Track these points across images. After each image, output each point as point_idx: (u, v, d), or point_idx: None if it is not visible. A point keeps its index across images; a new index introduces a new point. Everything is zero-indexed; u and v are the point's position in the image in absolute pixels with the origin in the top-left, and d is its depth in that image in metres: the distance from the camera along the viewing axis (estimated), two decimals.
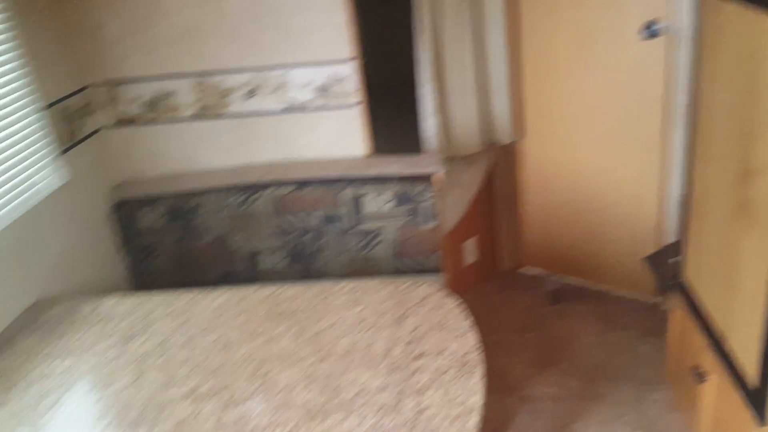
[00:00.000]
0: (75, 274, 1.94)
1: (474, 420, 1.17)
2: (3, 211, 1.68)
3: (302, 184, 2.08)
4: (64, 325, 1.61)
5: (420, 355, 1.36)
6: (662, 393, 2.23)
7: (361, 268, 2.15)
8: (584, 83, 2.49)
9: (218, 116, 2.20)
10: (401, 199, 2.06)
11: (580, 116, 2.56)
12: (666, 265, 2.14)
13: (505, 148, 2.77)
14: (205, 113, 2.19)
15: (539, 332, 2.62)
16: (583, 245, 2.77)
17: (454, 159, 2.58)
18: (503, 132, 2.64)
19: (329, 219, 2.11)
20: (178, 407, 1.29)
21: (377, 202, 2.07)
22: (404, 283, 1.63)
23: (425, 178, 2.07)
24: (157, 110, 2.19)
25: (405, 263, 2.15)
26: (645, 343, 2.49)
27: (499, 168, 2.85)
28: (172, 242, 2.16)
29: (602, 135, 2.53)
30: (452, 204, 2.56)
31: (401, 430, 1.17)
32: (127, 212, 2.14)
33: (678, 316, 2.03)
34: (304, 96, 2.17)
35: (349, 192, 2.07)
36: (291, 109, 2.19)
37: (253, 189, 2.09)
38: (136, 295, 1.71)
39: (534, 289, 2.90)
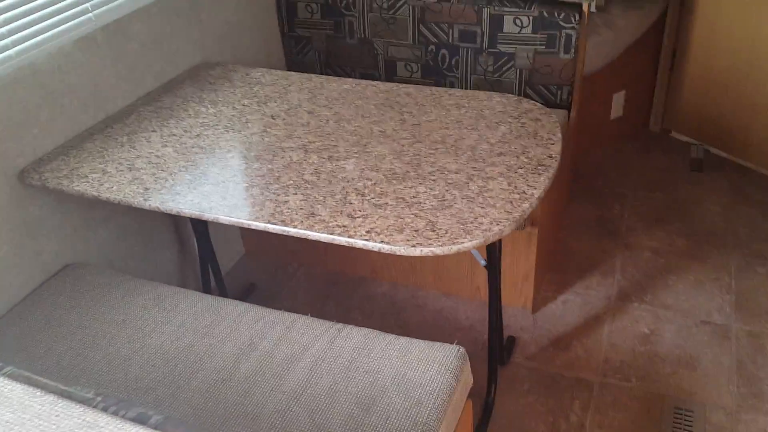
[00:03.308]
0: (238, 50, 2.23)
1: (525, 206, 1.30)
2: None
3: None
4: (219, 82, 1.91)
5: (501, 153, 1.49)
6: None
7: (489, 91, 2.24)
8: None
9: None
10: (541, 24, 2.07)
11: None
12: None
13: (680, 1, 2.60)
14: None
15: (665, 193, 2.59)
16: (737, 117, 2.61)
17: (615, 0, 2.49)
18: None
19: (466, 36, 2.18)
20: (290, 153, 1.54)
21: (516, 24, 2.10)
22: (511, 98, 1.72)
23: (570, 5, 2.05)
24: None
25: (533, 92, 2.20)
26: None
27: (671, 22, 2.69)
28: (323, 37, 2.37)
29: None
30: (599, 45, 2.50)
31: (462, 199, 1.33)
32: (288, 1, 2.36)
33: None
34: None
35: (489, 9, 2.11)
36: None
37: None
38: (281, 71, 1.96)
39: (677, 154, 2.82)
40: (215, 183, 1.45)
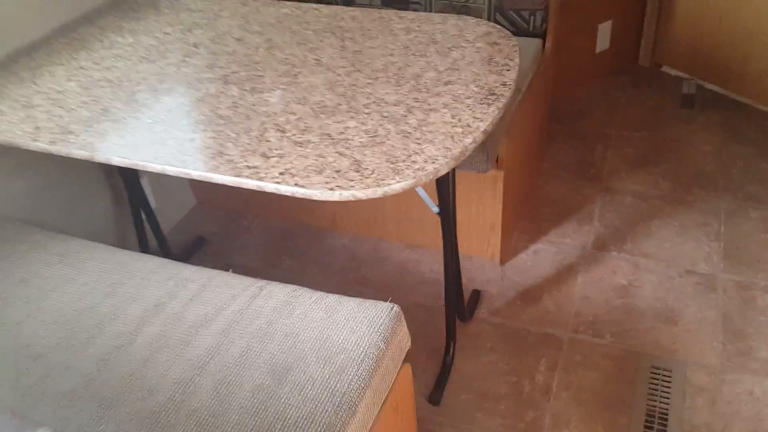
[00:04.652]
0: None
1: (468, 140, 1.10)
2: None
3: None
4: (144, 10, 1.69)
5: (449, 82, 1.28)
6: (764, 213, 1.99)
7: None
8: None
9: None
10: None
11: None
12: None
13: None
14: None
15: (654, 132, 2.38)
16: (733, 48, 2.38)
17: None
18: None
19: None
20: (207, 85, 1.34)
21: None
22: (468, 21, 1.50)
23: None
24: None
25: (505, 19, 1.97)
26: (767, 161, 2.19)
27: None
28: None
29: None
30: None
31: (396, 135, 1.14)
32: None
33: None
34: None
35: None
36: None
37: None
38: None
39: (667, 90, 2.60)
40: (115, 120, 1.25)
